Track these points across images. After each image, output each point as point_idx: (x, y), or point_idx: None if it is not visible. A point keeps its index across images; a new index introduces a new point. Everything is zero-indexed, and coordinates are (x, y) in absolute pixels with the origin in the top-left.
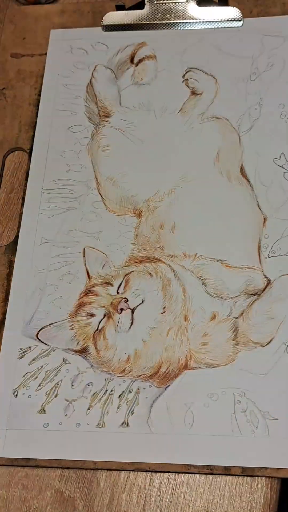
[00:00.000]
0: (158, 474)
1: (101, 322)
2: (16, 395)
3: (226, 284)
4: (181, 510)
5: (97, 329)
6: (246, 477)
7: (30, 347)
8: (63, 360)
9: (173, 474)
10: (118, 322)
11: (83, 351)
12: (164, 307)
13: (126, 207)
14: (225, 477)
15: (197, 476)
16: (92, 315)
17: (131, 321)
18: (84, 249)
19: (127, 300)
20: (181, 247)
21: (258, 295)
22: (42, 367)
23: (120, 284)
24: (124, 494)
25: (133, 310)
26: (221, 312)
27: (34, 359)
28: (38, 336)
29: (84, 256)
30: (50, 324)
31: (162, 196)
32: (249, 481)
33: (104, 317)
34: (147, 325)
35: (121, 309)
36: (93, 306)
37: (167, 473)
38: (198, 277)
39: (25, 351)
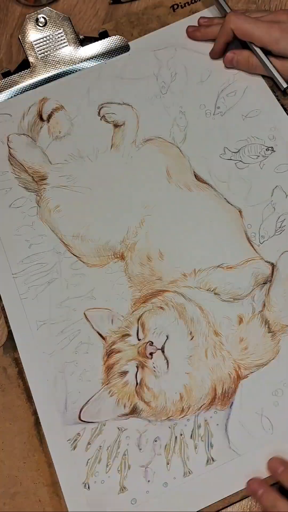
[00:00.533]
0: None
1: (137, 375)
2: (89, 488)
3: (236, 284)
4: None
5: (137, 383)
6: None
7: (78, 433)
8: (119, 429)
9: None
10: (154, 367)
11: (134, 411)
12: (190, 333)
13: (106, 256)
14: None
15: None
16: (125, 373)
17: (166, 361)
18: (84, 313)
19: (152, 343)
20: (178, 270)
21: (270, 281)
22: (100, 447)
23: (138, 330)
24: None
25: (162, 349)
26: (245, 312)
27: (88, 443)
28: (82, 418)
29: (88, 320)
30: (88, 402)
31: (135, 230)
32: None
33: (137, 369)
34: (183, 356)
35: (151, 353)
36: (122, 364)
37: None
38: (207, 290)
39: (76, 439)
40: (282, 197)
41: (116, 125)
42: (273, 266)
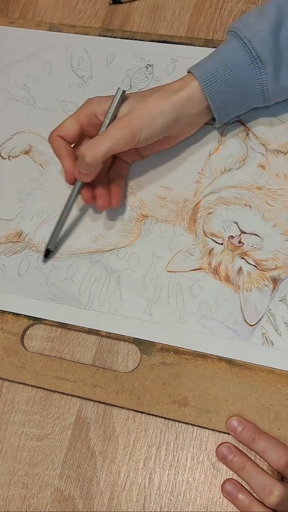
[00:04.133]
0: (158, 473)
1: (248, 261)
2: None
3: (232, 152)
4: (181, 509)
5: (255, 266)
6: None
7: (263, 333)
8: (284, 302)
9: (173, 473)
10: (251, 245)
11: (276, 282)
12: (244, 205)
13: (134, 225)
14: (225, 475)
15: (197, 474)
16: (240, 269)
17: (253, 234)
18: (168, 271)
19: (232, 236)
20: (188, 184)
21: None
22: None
23: (214, 240)
24: (124, 493)
25: (242, 232)
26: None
27: (276, 329)
28: (251, 323)
29: (176, 271)
30: (242, 311)
31: (132, 193)
32: None
33: (244, 259)
34: (259, 220)
35: (239, 241)
36: (231, 267)
37: (166, 472)
38: (221, 173)
39: (266, 337)
40: None
41: (25, 153)
42: (238, 120)
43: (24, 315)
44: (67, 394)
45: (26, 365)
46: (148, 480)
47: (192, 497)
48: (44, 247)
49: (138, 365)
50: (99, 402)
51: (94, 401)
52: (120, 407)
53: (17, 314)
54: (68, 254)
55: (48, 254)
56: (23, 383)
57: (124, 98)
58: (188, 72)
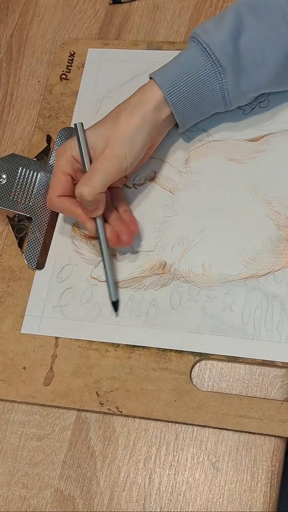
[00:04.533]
0: (158, 473)
1: None
2: None
3: None
4: (181, 509)
5: None
6: (246, 476)
7: None
8: None
9: (173, 473)
10: None
11: None
12: None
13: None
14: (225, 475)
15: (197, 474)
16: None
17: None
18: None
19: None
20: None
21: None
22: None
23: None
24: (124, 493)
25: None
26: None
27: None
28: None
29: None
30: None
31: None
32: (249, 480)
33: None
34: None
35: None
36: None
37: (166, 472)
38: None
39: None
40: None
41: (151, 179)
42: None
43: (188, 351)
44: (255, 433)
45: (202, 406)
46: (148, 480)
47: (192, 497)
48: (110, 300)
49: None
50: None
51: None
52: None
53: (180, 351)
54: (221, 282)
55: (117, 306)
56: (204, 426)
57: (90, 128)
58: (150, 78)
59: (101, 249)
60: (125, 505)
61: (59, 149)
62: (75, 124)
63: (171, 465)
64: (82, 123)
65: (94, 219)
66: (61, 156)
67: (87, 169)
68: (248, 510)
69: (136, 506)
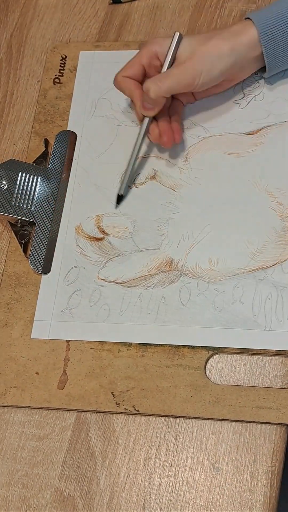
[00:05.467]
0: (158, 473)
1: None
2: None
3: None
4: (181, 510)
5: None
6: (246, 476)
7: None
8: None
9: (173, 473)
10: None
11: None
12: None
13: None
14: (225, 475)
15: (197, 475)
16: None
17: None
18: None
19: None
20: None
21: None
22: None
23: None
24: (124, 493)
25: None
26: None
27: None
28: None
29: None
30: None
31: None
32: (249, 480)
33: None
34: None
35: None
36: None
37: (166, 472)
38: None
39: None
40: None
41: (151, 178)
42: None
43: (201, 346)
44: (273, 423)
45: (220, 400)
46: (148, 480)
47: (192, 497)
48: (116, 193)
49: None
50: None
51: None
52: None
53: (193, 347)
54: (229, 276)
55: (120, 200)
56: (222, 419)
57: (184, 37)
58: (246, 18)
59: (136, 142)
60: (125, 505)
61: (152, 40)
62: (175, 33)
63: (171, 465)
64: (181, 35)
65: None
66: (146, 48)
67: (164, 70)
68: (248, 510)
69: (136, 506)
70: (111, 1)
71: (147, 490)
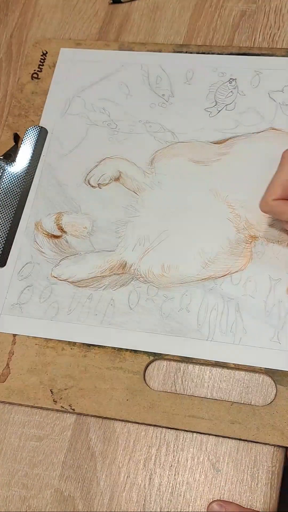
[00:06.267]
0: (158, 473)
1: None
2: None
3: None
4: (181, 510)
5: None
6: (246, 476)
7: None
8: None
9: (173, 473)
10: None
11: None
12: None
13: (243, 248)
14: (225, 476)
15: (197, 475)
16: None
17: None
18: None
19: None
20: None
21: None
22: None
23: None
24: (124, 494)
25: None
26: None
27: None
28: None
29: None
30: None
31: (233, 212)
32: (249, 480)
33: None
34: None
35: None
36: None
37: (167, 472)
38: None
39: None
40: None
41: (116, 180)
42: None
43: (143, 351)
44: (204, 433)
45: (154, 405)
46: (148, 480)
47: (192, 497)
48: None
49: (275, 397)
50: (239, 439)
51: (234, 438)
52: (263, 443)
53: (135, 351)
54: (179, 283)
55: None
56: (154, 425)
57: None
58: None
59: None
60: (125, 506)
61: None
62: None
63: (171, 466)
64: None
65: None
66: None
67: None
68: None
69: (136, 507)
70: (111, 1)
71: (147, 490)
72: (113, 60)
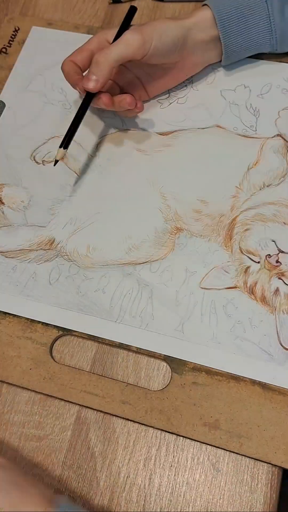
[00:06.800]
0: (158, 473)
1: (285, 282)
2: None
3: (273, 168)
4: (181, 510)
5: None
6: (246, 476)
7: None
8: None
9: (173, 474)
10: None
11: None
12: (283, 223)
13: (168, 239)
14: (225, 476)
15: (197, 475)
16: (277, 290)
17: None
18: (202, 288)
19: (270, 254)
20: (225, 198)
21: None
22: None
23: (250, 258)
24: (124, 494)
25: (280, 251)
26: None
27: None
28: (287, 347)
29: (210, 289)
30: (278, 333)
31: (166, 205)
32: (249, 480)
33: (281, 279)
34: None
35: (277, 261)
36: (267, 287)
37: (166, 472)
38: (260, 189)
39: None
40: None
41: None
42: (279, 135)
43: (54, 325)
44: (96, 410)
45: (54, 377)
46: (148, 480)
47: (192, 497)
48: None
49: (168, 383)
50: (128, 420)
51: (123, 418)
52: (149, 426)
53: (47, 324)
54: (100, 265)
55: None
56: (50, 396)
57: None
58: (203, 5)
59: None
60: (125, 506)
61: (102, 30)
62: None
63: (171, 466)
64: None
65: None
66: (97, 35)
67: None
68: (248, 511)
69: (136, 507)
70: (111, 1)
71: (147, 490)
72: (80, 43)
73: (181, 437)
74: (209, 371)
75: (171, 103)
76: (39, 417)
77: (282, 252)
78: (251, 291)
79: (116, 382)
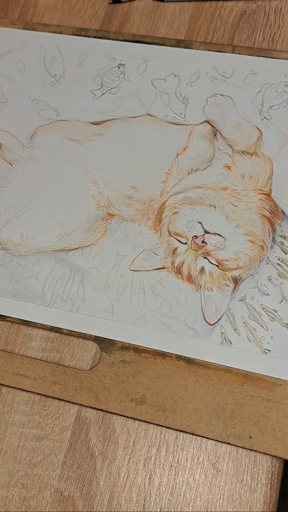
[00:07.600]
0: (158, 473)
1: (211, 261)
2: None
3: (201, 152)
4: (180, 510)
5: (217, 266)
6: (246, 476)
7: (222, 332)
8: (243, 301)
9: (173, 473)
10: (214, 245)
11: (236, 281)
12: (209, 205)
13: (99, 225)
14: (225, 476)
15: (197, 475)
16: (203, 268)
17: (216, 234)
18: (132, 270)
19: (196, 236)
20: (155, 183)
21: (215, 128)
22: (244, 322)
23: (177, 240)
24: (123, 494)
25: (206, 232)
26: (225, 160)
27: (235, 329)
28: (211, 322)
29: (139, 271)
30: (202, 310)
31: (98, 192)
32: (249, 480)
33: (207, 258)
34: (223, 220)
35: (202, 241)
36: (193, 266)
37: (166, 472)
38: (188, 174)
39: (225, 337)
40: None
41: None
42: (207, 121)
43: None
44: (27, 391)
45: None
46: (148, 480)
47: (192, 497)
48: None
49: (98, 363)
50: (58, 399)
51: (53, 398)
52: (78, 404)
53: None
54: (33, 252)
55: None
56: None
57: None
58: None
59: None
60: (125, 506)
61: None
62: None
63: (171, 466)
64: None
65: None
66: None
67: None
68: (248, 511)
69: (136, 507)
70: (111, 1)
71: (147, 490)
72: (16, 39)
73: (181, 437)
74: (137, 349)
75: (103, 93)
76: (39, 417)
77: (208, 232)
78: (178, 271)
79: (47, 364)
